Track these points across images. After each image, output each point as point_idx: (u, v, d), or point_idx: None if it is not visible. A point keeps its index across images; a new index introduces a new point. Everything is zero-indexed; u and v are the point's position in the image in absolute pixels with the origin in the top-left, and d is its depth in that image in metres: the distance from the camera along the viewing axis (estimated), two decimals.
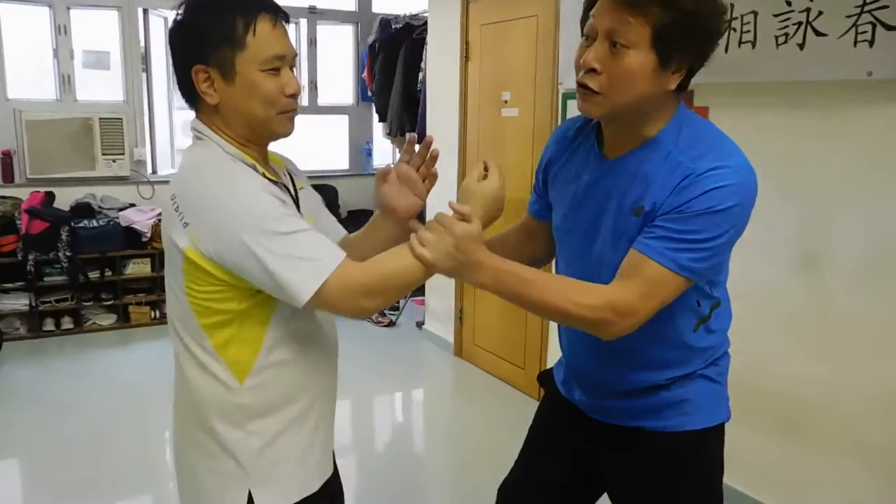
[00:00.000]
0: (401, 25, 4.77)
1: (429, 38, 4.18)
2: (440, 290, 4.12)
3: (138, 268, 4.53)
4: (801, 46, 2.07)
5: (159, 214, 4.60)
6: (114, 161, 4.66)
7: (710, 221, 1.05)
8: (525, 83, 3.38)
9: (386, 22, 4.87)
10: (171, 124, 5.31)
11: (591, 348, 1.26)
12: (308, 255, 1.02)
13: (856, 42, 1.94)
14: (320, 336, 1.20)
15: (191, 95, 1.11)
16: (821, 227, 2.16)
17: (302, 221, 1.07)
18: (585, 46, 1.11)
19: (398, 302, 4.92)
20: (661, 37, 1.04)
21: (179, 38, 1.09)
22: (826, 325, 2.15)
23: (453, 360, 4.09)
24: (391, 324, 4.70)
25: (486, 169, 1.18)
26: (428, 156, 1.24)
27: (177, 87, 1.12)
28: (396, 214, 1.23)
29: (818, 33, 2.03)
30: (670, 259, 1.07)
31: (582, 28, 1.13)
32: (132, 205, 4.69)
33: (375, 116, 5.19)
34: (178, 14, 1.09)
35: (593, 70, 1.07)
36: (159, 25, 5.02)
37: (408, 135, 1.23)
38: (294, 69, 1.13)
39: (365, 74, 5.11)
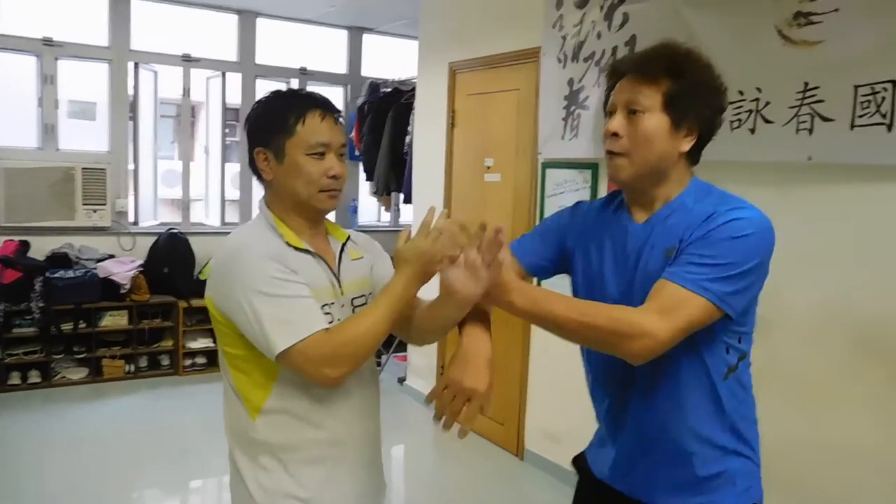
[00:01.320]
0: (389, 90, 5.20)
1: (416, 105, 4.58)
2: (422, 346, 4.33)
3: (114, 320, 4.66)
4: (753, 131, 2.46)
5: (139, 266, 4.78)
6: (94, 211, 4.84)
7: (731, 247, 1.21)
8: (507, 151, 3.75)
9: (375, 86, 5.29)
10: (156, 175, 5.56)
11: (630, 394, 1.35)
12: (288, 319, 1.21)
13: (797, 130, 2.33)
14: (342, 391, 1.34)
15: (256, 173, 1.39)
16: (775, 293, 2.48)
17: (298, 288, 1.24)
18: (608, 122, 1.32)
19: (380, 358, 5.12)
20: (671, 102, 1.26)
21: (250, 125, 1.38)
22: (782, 384, 2.45)
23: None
24: None
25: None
26: (493, 243, 1.33)
27: (249, 166, 1.42)
28: (457, 297, 1.27)
29: (766, 121, 2.42)
30: (691, 281, 1.19)
31: (605, 110, 1.38)
32: (111, 256, 4.84)
33: (362, 175, 5.53)
34: (253, 108, 1.39)
35: (615, 135, 1.29)
36: (149, 79, 5.34)
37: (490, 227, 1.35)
38: (343, 156, 1.37)
39: (353, 134, 5.47)
